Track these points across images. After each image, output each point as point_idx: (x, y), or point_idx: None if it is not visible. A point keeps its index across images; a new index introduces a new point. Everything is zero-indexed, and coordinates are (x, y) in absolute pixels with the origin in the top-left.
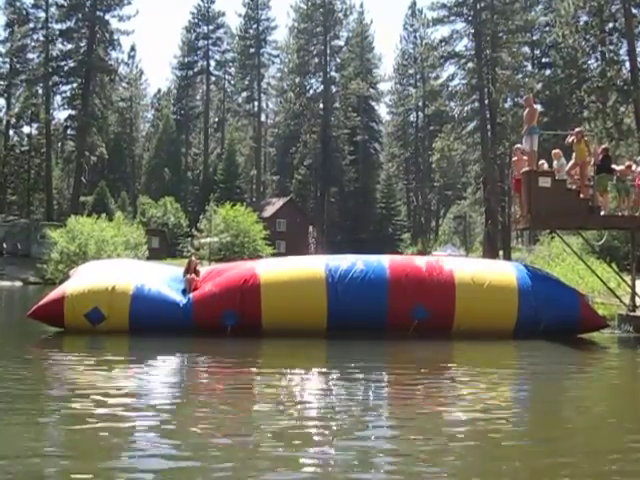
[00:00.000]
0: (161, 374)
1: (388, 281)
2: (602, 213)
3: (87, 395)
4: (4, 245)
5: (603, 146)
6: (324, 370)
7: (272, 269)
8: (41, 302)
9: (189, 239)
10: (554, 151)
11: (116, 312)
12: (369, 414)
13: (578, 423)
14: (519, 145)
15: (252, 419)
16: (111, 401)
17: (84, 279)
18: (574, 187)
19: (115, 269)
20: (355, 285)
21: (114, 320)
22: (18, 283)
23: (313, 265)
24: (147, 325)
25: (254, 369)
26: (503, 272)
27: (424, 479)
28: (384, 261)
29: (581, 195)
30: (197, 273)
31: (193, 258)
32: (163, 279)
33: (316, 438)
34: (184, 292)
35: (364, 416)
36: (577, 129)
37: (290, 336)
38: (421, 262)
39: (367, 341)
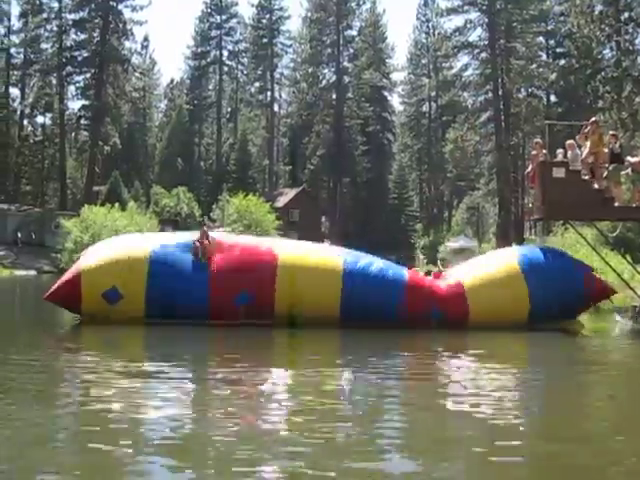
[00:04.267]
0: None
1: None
2: (616, 204)
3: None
4: (18, 234)
5: (612, 132)
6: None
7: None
8: (57, 284)
9: (202, 229)
10: (568, 142)
11: (132, 291)
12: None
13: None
14: (538, 139)
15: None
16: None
17: (99, 256)
18: (588, 177)
19: (127, 245)
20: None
21: (131, 299)
22: (32, 272)
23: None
24: (164, 306)
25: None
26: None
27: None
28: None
29: (595, 186)
30: (209, 242)
31: (205, 228)
32: (177, 250)
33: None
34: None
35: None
36: (592, 119)
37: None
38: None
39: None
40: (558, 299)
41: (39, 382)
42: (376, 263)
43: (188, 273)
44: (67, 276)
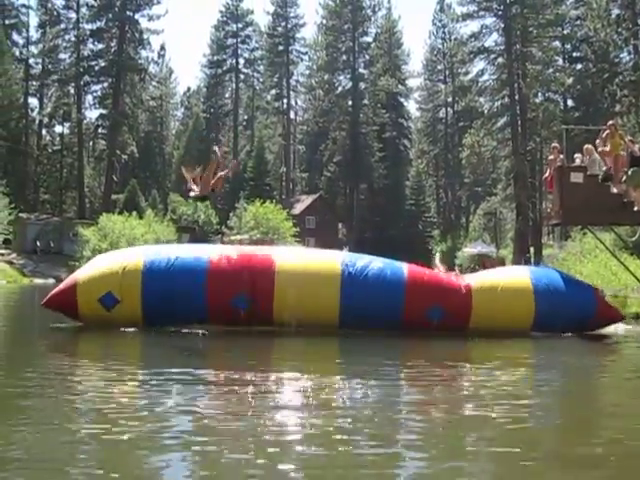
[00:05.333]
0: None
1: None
2: (635, 209)
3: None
4: (37, 243)
5: (629, 138)
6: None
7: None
8: (54, 290)
9: (219, 236)
10: (586, 146)
11: (129, 294)
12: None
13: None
14: (556, 144)
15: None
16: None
17: (95, 266)
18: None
19: (122, 254)
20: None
21: (128, 302)
22: (51, 280)
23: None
24: (161, 310)
25: (274, 368)
26: (519, 278)
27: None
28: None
29: (614, 190)
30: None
31: (216, 149)
32: (173, 255)
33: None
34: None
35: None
36: (610, 122)
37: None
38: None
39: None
40: (564, 318)
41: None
42: (374, 262)
43: (185, 276)
44: (63, 283)
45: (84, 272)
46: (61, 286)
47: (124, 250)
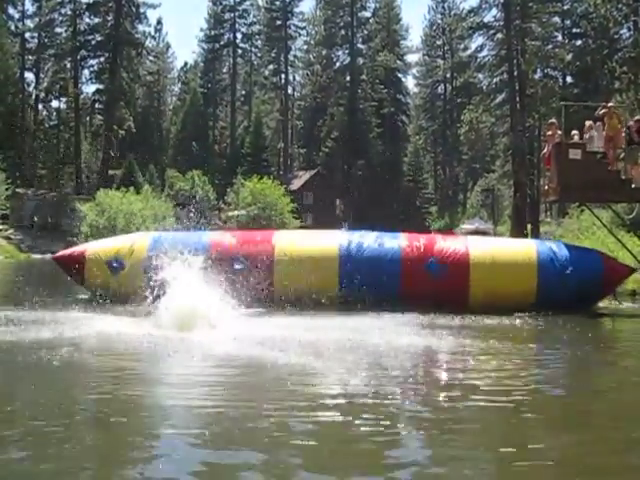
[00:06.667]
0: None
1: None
2: (633, 186)
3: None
4: (35, 219)
5: (637, 117)
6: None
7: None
8: (66, 251)
9: (217, 212)
10: (587, 122)
11: (134, 263)
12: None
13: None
14: (553, 120)
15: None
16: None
17: (103, 240)
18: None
19: (130, 235)
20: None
21: (132, 271)
22: (49, 256)
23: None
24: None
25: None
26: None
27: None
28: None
29: (611, 167)
30: None
31: None
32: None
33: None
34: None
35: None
36: (609, 104)
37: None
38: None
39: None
40: (573, 282)
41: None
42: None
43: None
44: (74, 247)
45: (96, 242)
46: (71, 248)
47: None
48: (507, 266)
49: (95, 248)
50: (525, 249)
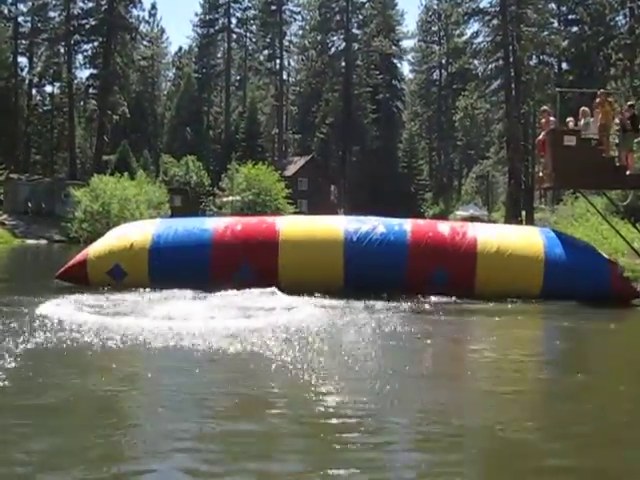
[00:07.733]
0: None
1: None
2: (628, 173)
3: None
4: (29, 204)
5: (630, 103)
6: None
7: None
8: (66, 265)
9: (211, 198)
10: (582, 109)
11: (136, 268)
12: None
13: None
14: (546, 107)
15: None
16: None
17: (105, 240)
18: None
19: (135, 227)
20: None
21: (135, 275)
22: (43, 241)
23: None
24: (167, 278)
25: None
26: (530, 239)
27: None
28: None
29: (605, 154)
30: None
31: None
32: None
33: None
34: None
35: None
36: (601, 90)
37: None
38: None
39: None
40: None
41: None
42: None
43: (190, 248)
44: (75, 258)
45: (94, 247)
46: (72, 261)
47: (132, 225)
48: (515, 271)
49: (93, 258)
50: (533, 257)
